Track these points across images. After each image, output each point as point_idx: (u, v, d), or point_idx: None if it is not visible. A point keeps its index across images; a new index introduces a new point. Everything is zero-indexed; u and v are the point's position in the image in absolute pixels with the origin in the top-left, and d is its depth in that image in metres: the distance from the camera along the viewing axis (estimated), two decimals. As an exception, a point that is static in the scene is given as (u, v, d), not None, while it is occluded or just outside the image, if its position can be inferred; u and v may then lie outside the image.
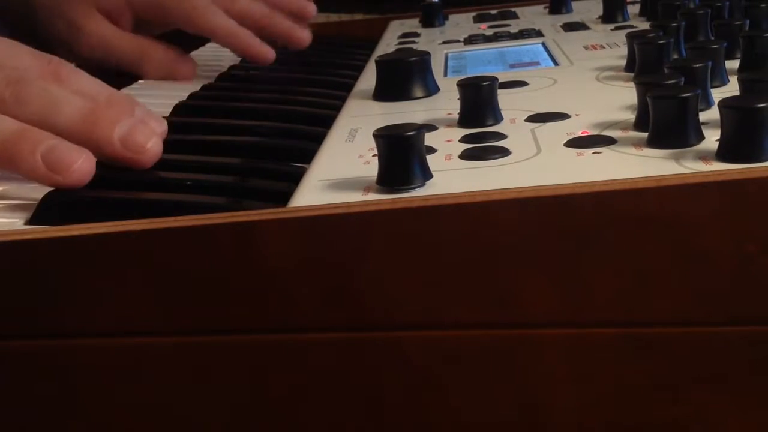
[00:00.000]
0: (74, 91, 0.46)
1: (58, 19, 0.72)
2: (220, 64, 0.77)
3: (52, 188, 0.42)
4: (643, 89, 0.42)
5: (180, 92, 0.65)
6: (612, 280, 0.34)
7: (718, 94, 0.42)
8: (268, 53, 0.73)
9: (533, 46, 0.70)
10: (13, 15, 0.75)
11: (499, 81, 0.48)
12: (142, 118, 0.46)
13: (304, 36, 0.78)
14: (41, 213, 0.41)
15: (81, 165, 0.41)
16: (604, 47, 0.64)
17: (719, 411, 0.35)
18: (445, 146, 0.43)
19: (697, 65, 0.45)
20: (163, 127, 0.48)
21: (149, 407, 0.37)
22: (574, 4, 0.84)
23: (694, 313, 0.34)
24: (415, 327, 0.35)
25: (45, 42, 0.71)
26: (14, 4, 0.74)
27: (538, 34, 0.74)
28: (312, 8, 0.83)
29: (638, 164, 0.38)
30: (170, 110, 0.60)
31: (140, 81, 0.71)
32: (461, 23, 0.85)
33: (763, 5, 0.60)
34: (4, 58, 0.47)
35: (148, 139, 0.44)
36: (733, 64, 0.51)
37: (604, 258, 0.34)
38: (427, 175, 0.38)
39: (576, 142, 0.41)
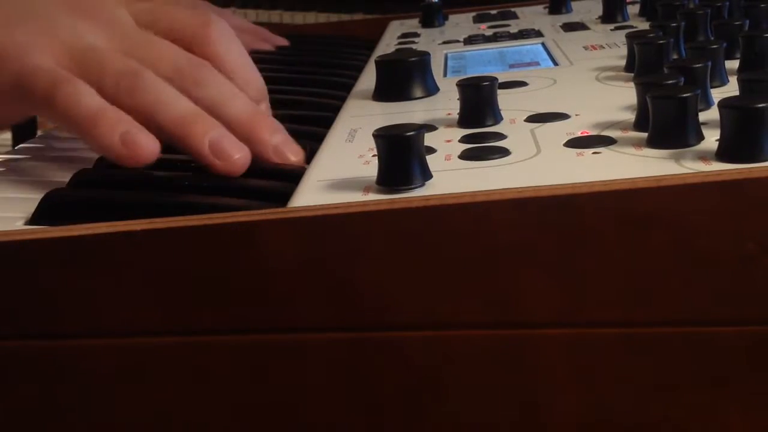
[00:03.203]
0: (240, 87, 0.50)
1: None
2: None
3: (52, 189, 0.42)
4: (642, 89, 0.42)
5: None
6: (612, 280, 0.34)
7: (718, 94, 0.42)
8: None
9: (533, 46, 0.69)
10: None
11: (499, 81, 0.48)
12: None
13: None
14: (41, 213, 0.41)
15: (240, 158, 0.45)
16: (603, 47, 0.64)
17: (719, 411, 0.35)
18: (445, 146, 0.43)
19: (697, 65, 0.45)
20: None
21: (150, 407, 0.37)
22: (574, 4, 0.84)
23: (694, 313, 0.34)
24: (415, 327, 0.35)
25: None
26: None
27: (538, 34, 0.73)
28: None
29: (638, 164, 0.38)
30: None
31: None
32: (461, 23, 0.85)
33: (763, 5, 0.60)
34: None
35: (296, 155, 0.48)
36: (733, 64, 0.51)
37: (604, 258, 0.34)
38: (426, 175, 0.38)
39: (576, 142, 0.41)
